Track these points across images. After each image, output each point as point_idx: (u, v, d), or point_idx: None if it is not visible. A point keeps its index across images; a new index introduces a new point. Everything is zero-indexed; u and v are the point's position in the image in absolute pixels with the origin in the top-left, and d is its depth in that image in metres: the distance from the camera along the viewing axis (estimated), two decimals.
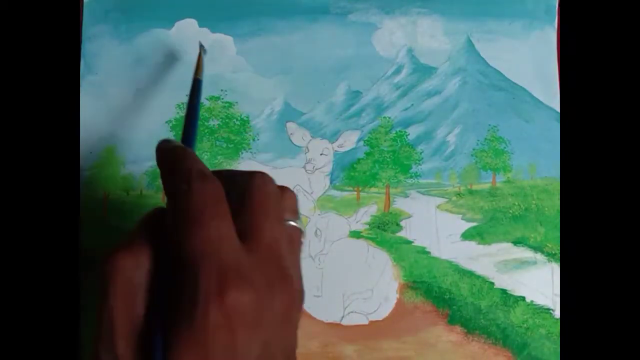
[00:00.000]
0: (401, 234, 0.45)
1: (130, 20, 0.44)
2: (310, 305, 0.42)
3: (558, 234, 0.45)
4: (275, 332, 0.22)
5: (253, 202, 0.24)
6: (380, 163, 0.45)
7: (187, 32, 0.44)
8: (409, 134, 0.46)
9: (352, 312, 0.43)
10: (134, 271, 0.22)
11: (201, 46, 0.41)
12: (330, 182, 0.45)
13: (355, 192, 0.45)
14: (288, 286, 0.23)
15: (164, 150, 0.25)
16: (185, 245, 0.22)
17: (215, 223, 0.22)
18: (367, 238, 0.44)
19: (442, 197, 0.45)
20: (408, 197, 0.45)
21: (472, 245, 0.45)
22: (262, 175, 0.25)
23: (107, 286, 0.22)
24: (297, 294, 0.24)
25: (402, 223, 0.45)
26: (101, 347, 0.22)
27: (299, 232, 0.28)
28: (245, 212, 0.24)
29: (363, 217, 0.44)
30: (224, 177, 0.25)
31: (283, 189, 0.27)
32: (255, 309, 0.21)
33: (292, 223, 0.27)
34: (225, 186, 0.24)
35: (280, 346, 0.23)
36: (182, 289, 0.21)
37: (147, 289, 0.22)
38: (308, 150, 0.45)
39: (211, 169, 0.25)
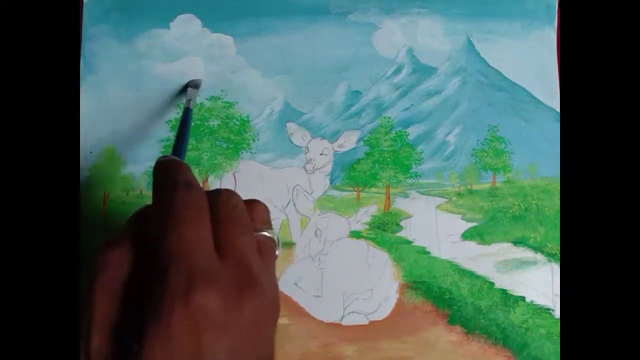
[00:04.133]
0: (401, 234, 0.45)
1: (130, 20, 0.44)
2: (310, 305, 0.42)
3: (558, 234, 0.45)
4: (244, 339, 0.22)
5: (219, 214, 0.25)
6: (380, 163, 0.45)
7: (188, 32, 0.44)
8: (409, 134, 0.46)
9: (352, 312, 0.43)
10: (117, 267, 0.23)
11: (194, 83, 0.42)
12: (330, 182, 0.45)
13: (355, 192, 0.45)
14: (258, 292, 0.24)
15: (160, 162, 0.27)
16: (161, 245, 0.23)
17: (193, 228, 0.23)
18: (367, 238, 0.44)
19: (442, 197, 0.45)
20: (408, 197, 0.45)
21: (472, 245, 0.45)
22: (226, 190, 0.26)
23: (91, 282, 0.23)
24: (268, 301, 0.24)
25: (402, 223, 0.45)
26: (81, 342, 0.23)
27: (271, 242, 0.28)
28: (215, 225, 0.25)
29: (363, 217, 0.44)
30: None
31: (253, 202, 0.28)
32: (222, 312, 0.22)
33: (265, 233, 0.28)
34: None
35: (251, 356, 0.23)
36: (154, 286, 0.22)
37: (129, 284, 0.23)
38: (308, 150, 0.45)
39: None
